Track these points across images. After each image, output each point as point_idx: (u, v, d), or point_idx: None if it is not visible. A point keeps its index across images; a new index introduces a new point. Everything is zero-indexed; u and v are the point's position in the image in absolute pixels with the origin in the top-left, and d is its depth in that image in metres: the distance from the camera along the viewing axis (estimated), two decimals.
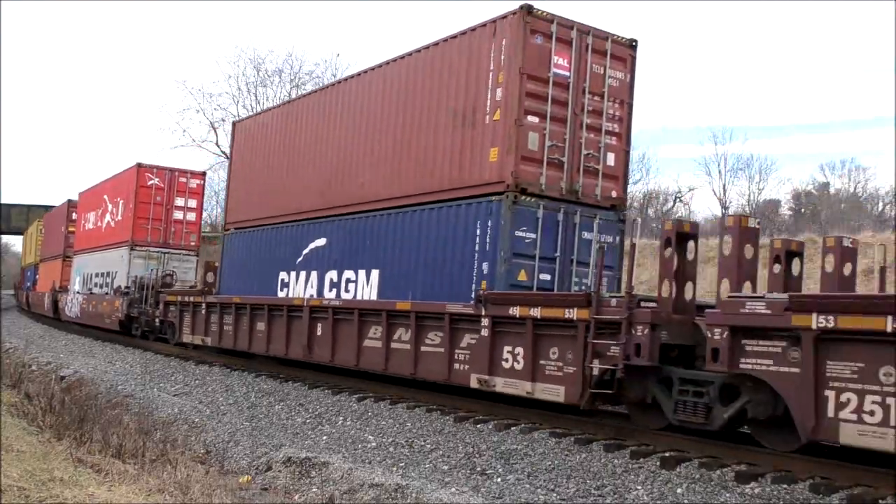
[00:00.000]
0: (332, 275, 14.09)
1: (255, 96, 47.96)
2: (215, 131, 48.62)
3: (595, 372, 8.94)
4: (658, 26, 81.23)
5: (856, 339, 6.87)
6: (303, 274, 14.98)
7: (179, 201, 25.69)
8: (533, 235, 10.89)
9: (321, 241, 14.56)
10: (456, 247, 11.45)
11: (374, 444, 9.69)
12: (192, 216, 25.75)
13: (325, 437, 10.26)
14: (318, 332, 13.65)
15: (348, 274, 13.68)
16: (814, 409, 7.05)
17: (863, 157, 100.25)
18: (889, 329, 6.60)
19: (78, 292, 29.96)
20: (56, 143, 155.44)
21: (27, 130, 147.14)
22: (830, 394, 7.02)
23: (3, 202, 56.24)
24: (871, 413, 6.74)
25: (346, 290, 13.66)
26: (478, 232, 11.08)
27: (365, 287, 13.26)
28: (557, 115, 11.12)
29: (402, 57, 13.21)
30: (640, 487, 7.39)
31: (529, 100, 10.89)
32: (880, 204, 51.33)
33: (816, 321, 7.00)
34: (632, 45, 11.81)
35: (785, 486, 7.11)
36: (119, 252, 25.72)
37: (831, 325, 6.94)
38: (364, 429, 10.48)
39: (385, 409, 11.47)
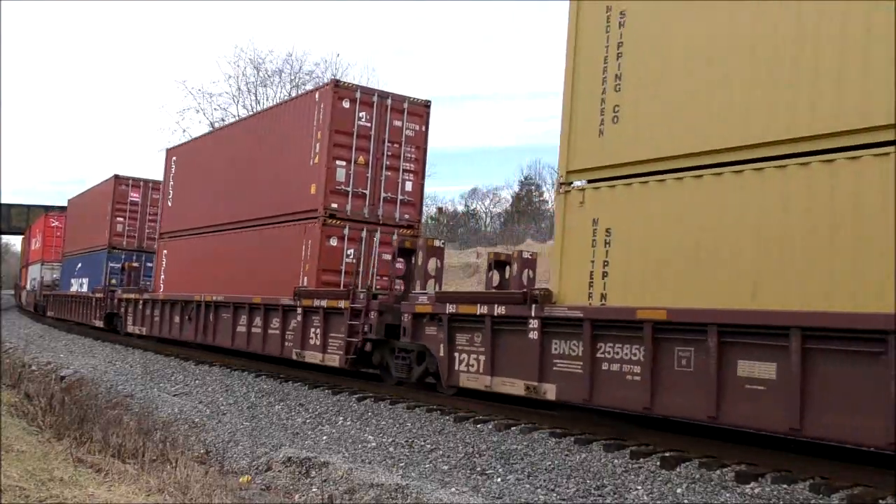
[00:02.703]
0: (79, 280, 31.21)
1: (255, 96, 47.84)
2: None
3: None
4: None
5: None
6: (75, 280, 32.08)
7: None
8: None
9: (80, 264, 31.87)
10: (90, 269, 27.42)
11: (374, 443, 9.69)
12: None
13: (325, 437, 10.26)
14: (72, 306, 31.38)
15: (83, 280, 30.47)
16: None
17: None
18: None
19: (26, 290, 47.44)
20: (56, 142, 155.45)
21: (27, 130, 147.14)
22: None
23: (3, 202, 56.33)
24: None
25: (82, 288, 30.46)
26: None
27: (86, 287, 29.73)
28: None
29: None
30: (640, 487, 7.39)
31: None
32: None
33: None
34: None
35: (785, 486, 7.11)
36: (38, 265, 42.38)
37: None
38: (364, 429, 10.48)
39: (385, 409, 11.47)
